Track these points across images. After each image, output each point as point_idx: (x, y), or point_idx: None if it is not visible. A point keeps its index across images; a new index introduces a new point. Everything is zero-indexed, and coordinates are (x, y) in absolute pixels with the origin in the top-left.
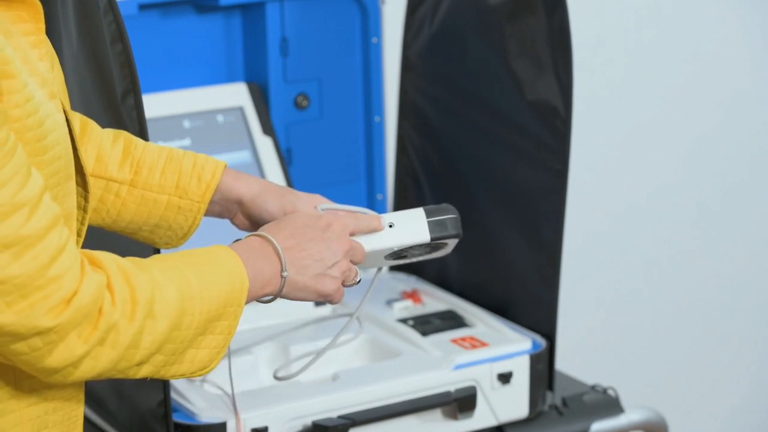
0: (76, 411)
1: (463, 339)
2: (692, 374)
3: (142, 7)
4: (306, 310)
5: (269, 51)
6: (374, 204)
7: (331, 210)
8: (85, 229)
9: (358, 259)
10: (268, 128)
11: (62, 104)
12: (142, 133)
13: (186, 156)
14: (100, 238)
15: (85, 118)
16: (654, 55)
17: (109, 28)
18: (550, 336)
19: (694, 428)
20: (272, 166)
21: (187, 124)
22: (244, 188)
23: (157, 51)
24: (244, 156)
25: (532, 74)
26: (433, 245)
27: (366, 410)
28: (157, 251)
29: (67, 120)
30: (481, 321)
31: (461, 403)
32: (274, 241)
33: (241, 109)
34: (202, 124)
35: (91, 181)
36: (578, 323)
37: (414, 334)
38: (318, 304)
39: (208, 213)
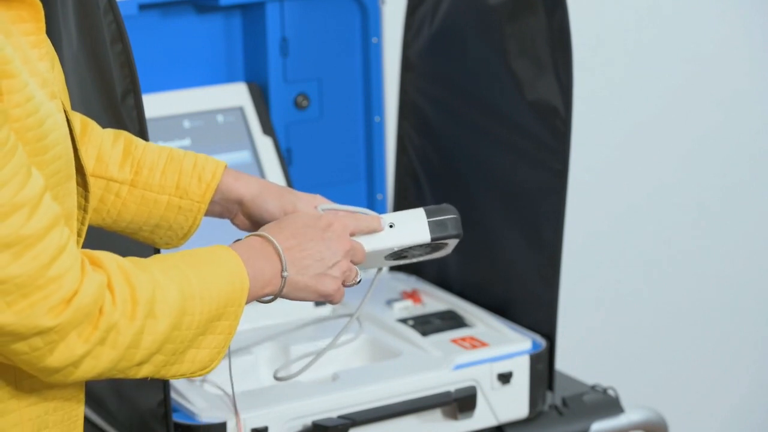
0: (76, 411)
1: (463, 339)
2: (692, 374)
3: (142, 7)
4: (306, 310)
5: (269, 51)
6: (374, 204)
7: (332, 210)
8: (85, 229)
9: (358, 260)
10: (268, 128)
11: (63, 104)
12: (142, 133)
13: (186, 156)
14: (100, 238)
15: (85, 118)
16: (654, 55)
17: (109, 28)
18: (550, 336)
19: (694, 428)
20: (272, 166)
21: (187, 124)
22: (245, 188)
23: (157, 51)
24: (244, 156)
25: (532, 74)
26: (433, 245)
27: (366, 410)
28: (158, 251)
29: (68, 120)
30: (481, 321)
31: (461, 403)
32: (275, 241)
33: (241, 109)
34: (202, 124)
35: (92, 181)
36: (578, 323)
37: (414, 334)
38: (318, 304)
39: (209, 213)
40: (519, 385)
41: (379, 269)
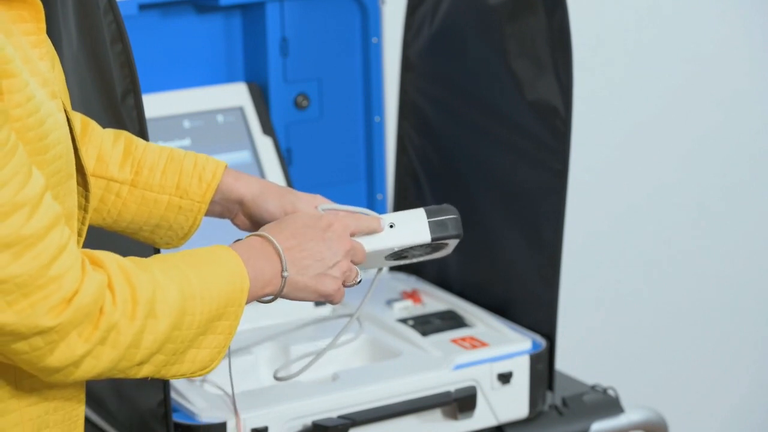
0: (76, 411)
1: (463, 339)
2: (692, 374)
3: (142, 7)
4: (306, 310)
5: (269, 51)
6: (374, 204)
7: (332, 210)
8: (85, 228)
9: (358, 260)
10: (268, 128)
11: (63, 104)
12: (142, 133)
13: (187, 156)
14: (100, 238)
15: (85, 118)
16: (654, 55)
17: (109, 28)
18: (550, 336)
19: (694, 428)
20: (272, 166)
21: (187, 124)
22: (245, 188)
23: (157, 51)
24: (244, 156)
25: (532, 74)
26: (433, 245)
27: (366, 410)
28: (158, 251)
29: (68, 120)
30: (481, 321)
31: (461, 403)
32: (275, 241)
33: (241, 109)
34: (202, 124)
35: (92, 181)
36: (578, 323)
37: (414, 334)
38: (318, 304)
39: (209, 213)
40: (519, 385)
41: (380, 269)
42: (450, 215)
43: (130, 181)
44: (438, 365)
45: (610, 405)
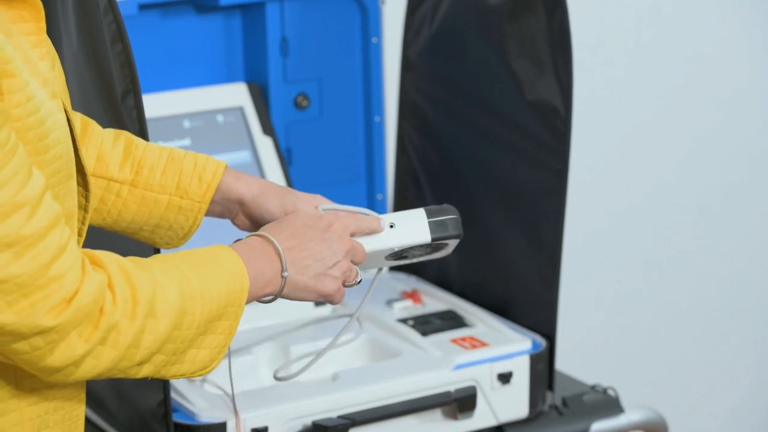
0: (77, 410)
1: (463, 339)
2: (692, 374)
3: (142, 7)
4: (306, 310)
5: (269, 51)
6: (374, 204)
7: (332, 210)
8: (86, 228)
9: (358, 260)
10: (268, 128)
11: (63, 104)
12: (142, 133)
13: (187, 156)
14: (100, 238)
15: (86, 118)
16: (654, 55)
17: (109, 28)
18: (550, 336)
19: (694, 428)
20: (272, 166)
21: (187, 124)
22: (245, 188)
23: (157, 51)
24: (244, 156)
25: (532, 74)
26: (433, 246)
27: (366, 410)
28: (158, 251)
29: (68, 119)
30: (481, 321)
31: (461, 403)
32: (275, 241)
33: (241, 109)
34: (202, 124)
35: (92, 181)
36: (578, 323)
37: (414, 334)
38: (318, 304)
39: (209, 213)
40: (519, 385)
41: (380, 269)
42: (450, 215)
43: (130, 181)
44: (438, 365)
45: (610, 405)
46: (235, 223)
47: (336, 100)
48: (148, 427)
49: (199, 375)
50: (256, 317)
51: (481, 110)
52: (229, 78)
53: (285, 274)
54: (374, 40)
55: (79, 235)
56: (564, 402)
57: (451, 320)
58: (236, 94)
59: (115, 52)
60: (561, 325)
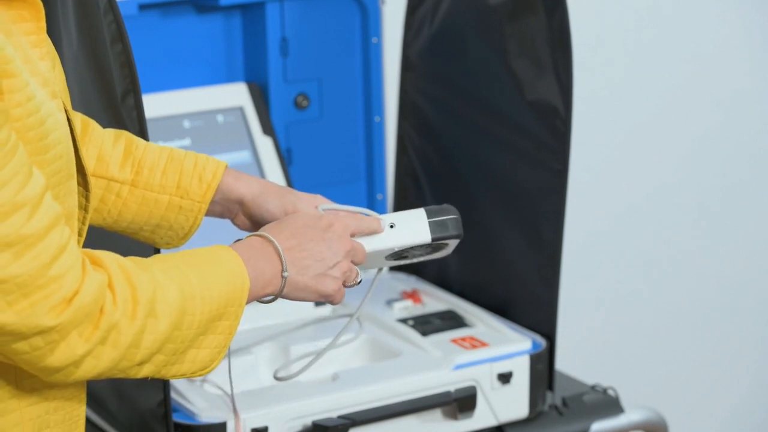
0: (77, 411)
1: (463, 339)
2: (692, 374)
3: (142, 7)
4: (306, 310)
5: (269, 51)
6: (374, 204)
7: (332, 210)
8: (86, 228)
9: (359, 260)
10: (268, 128)
11: (63, 104)
12: (142, 133)
13: (187, 156)
14: (100, 238)
15: (86, 118)
16: (654, 55)
17: (109, 28)
18: (550, 336)
19: (694, 428)
20: (272, 166)
21: (187, 124)
22: (245, 188)
23: (157, 51)
24: (244, 156)
25: (532, 74)
26: (434, 246)
27: (366, 410)
28: (158, 251)
29: (69, 119)
30: (481, 321)
31: (461, 403)
32: (275, 242)
33: (241, 109)
34: (202, 124)
35: (92, 181)
36: (578, 323)
37: (414, 334)
38: (318, 304)
39: (209, 213)
40: (519, 385)
41: (380, 269)
42: (450, 215)
43: (130, 181)
44: (438, 365)
45: (610, 405)
46: (235, 223)
47: (336, 100)
48: (148, 427)
49: (200, 375)
50: (256, 317)
51: (481, 110)
52: (229, 78)
53: (285, 274)
54: (374, 40)
55: (80, 235)
56: (564, 402)
57: (451, 320)
58: (236, 94)
59: (115, 52)
60: (561, 325)
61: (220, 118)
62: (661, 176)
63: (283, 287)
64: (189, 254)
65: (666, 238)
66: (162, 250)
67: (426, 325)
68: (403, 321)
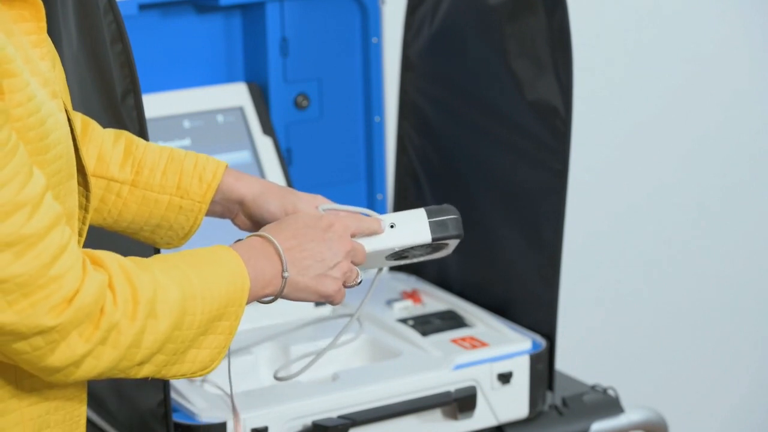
0: (78, 411)
1: (463, 339)
2: (692, 374)
3: (142, 7)
4: (306, 310)
5: (269, 51)
6: (374, 204)
7: (333, 210)
8: (86, 228)
9: (359, 260)
10: (268, 128)
11: (64, 104)
12: (142, 133)
13: (187, 156)
14: (101, 238)
15: (86, 118)
16: (654, 55)
17: (109, 28)
18: (550, 336)
19: (694, 428)
20: (272, 166)
21: (187, 124)
22: (246, 188)
23: (157, 51)
24: (244, 156)
25: (532, 74)
26: (434, 246)
27: (366, 410)
28: (158, 251)
29: (69, 119)
30: (481, 321)
31: (461, 403)
32: (276, 242)
33: (241, 109)
34: (202, 124)
35: (93, 181)
36: (578, 323)
37: (414, 334)
38: (318, 304)
39: (210, 213)
40: (519, 385)
41: (380, 269)
42: (450, 215)
43: (130, 181)
44: (438, 365)
45: (610, 405)
46: (235, 224)
47: (336, 100)
48: (148, 427)
49: (200, 375)
50: (256, 317)
51: (481, 110)
52: (229, 78)
53: (285, 274)
54: (374, 40)
55: (80, 235)
56: (564, 402)
57: (451, 320)
58: (236, 94)
59: (115, 52)
60: (561, 325)
61: (220, 118)
62: (661, 176)
63: (284, 287)
64: (189, 254)
65: (666, 238)
66: (162, 250)
67: (426, 325)
68: (403, 321)
